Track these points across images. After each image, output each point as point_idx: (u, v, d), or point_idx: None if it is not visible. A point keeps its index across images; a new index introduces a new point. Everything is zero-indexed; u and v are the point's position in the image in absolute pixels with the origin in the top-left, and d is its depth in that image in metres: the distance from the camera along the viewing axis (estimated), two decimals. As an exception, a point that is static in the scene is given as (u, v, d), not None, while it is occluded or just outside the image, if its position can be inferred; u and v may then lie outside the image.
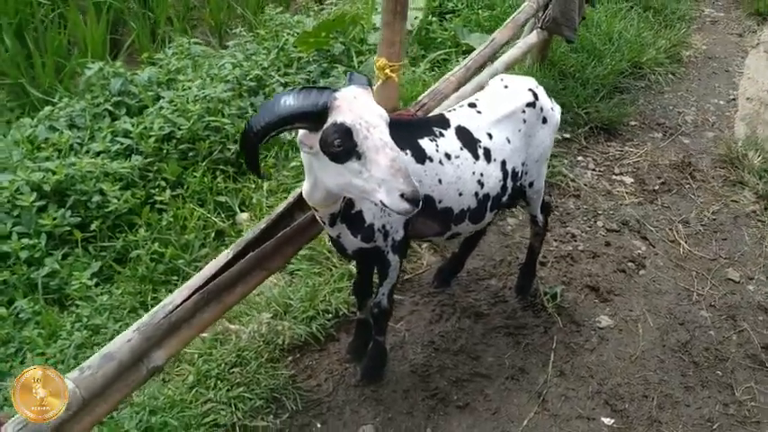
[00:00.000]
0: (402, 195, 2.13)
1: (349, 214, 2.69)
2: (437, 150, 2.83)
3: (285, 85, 5.53)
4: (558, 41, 5.62)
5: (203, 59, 5.80)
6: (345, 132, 2.13)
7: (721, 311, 3.98)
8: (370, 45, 6.04)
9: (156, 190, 4.27)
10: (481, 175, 2.94)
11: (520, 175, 3.17)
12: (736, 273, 4.26)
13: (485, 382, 3.43)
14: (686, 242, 4.45)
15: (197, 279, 2.45)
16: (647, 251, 4.36)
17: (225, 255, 2.56)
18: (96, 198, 4.07)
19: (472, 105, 3.04)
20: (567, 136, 5.27)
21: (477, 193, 2.95)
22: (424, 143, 2.81)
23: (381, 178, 2.14)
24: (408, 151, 2.75)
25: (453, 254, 3.94)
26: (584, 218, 4.56)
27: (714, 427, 3.33)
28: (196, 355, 3.20)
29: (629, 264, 4.23)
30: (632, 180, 4.98)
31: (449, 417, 3.25)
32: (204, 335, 3.33)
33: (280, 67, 5.77)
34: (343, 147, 2.14)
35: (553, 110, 3.20)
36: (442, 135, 2.87)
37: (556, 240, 4.35)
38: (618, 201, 4.75)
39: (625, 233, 4.48)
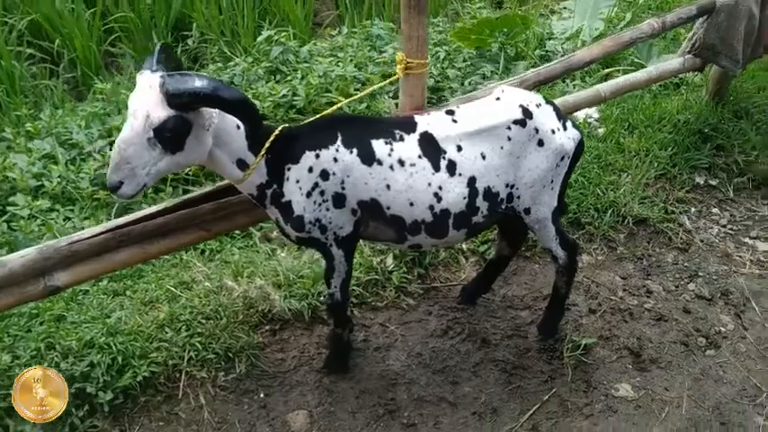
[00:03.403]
0: None
1: (279, 202, 2.73)
2: (390, 154, 2.72)
3: (444, 78, 5.53)
4: (747, 75, 4.84)
5: (381, 42, 5.98)
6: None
7: (786, 425, 3.23)
8: (546, 50, 5.76)
9: (257, 149, 4.61)
10: (439, 188, 2.76)
11: (504, 197, 2.89)
12: (839, 388, 3.39)
13: (447, 410, 3.22)
14: (794, 335, 3.64)
15: (114, 222, 2.69)
16: (732, 331, 3.65)
17: (154, 208, 2.76)
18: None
19: (450, 113, 2.84)
20: (713, 183, 4.55)
21: (432, 207, 2.78)
22: (377, 144, 2.72)
23: None
24: (355, 150, 2.69)
25: (479, 274, 3.71)
26: (677, 276, 3.94)
27: None
28: (184, 300, 3.47)
29: (700, 339, 3.59)
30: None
31: (388, 430, 3.13)
32: (207, 284, 3.60)
33: (447, 59, 5.74)
34: None
35: (555, 132, 2.85)
36: (401, 139, 2.75)
37: (624, 290, 3.84)
38: (733, 267, 4.02)
39: (717, 305, 3.79)
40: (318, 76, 5.04)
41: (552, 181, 2.97)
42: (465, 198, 2.80)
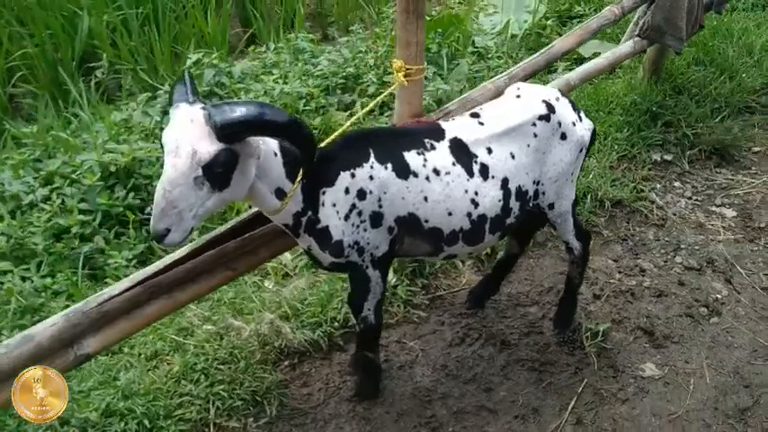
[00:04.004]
0: None
1: (314, 229, 2.56)
2: (424, 165, 2.61)
3: (381, 84, 5.45)
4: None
5: (309, 55, 5.83)
6: (161, 144, 2.14)
7: (804, 378, 3.38)
8: (477, 48, 5.81)
9: (216, 179, 4.35)
10: (475, 194, 2.68)
11: (532, 195, 2.86)
12: (838, 334, 3.59)
13: (489, 418, 3.15)
14: (782, 292, 3.83)
15: (140, 274, 2.44)
16: (728, 297, 3.79)
17: (179, 251, 2.52)
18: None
19: (474, 115, 2.77)
20: (668, 158, 4.73)
21: (470, 214, 2.69)
22: (410, 156, 2.61)
23: None
24: (389, 165, 2.56)
25: (487, 275, 3.67)
26: (662, 251, 4.06)
27: None
28: (191, 347, 3.21)
29: (701, 309, 3.70)
30: (735, 214, 4.37)
31: (437, 449, 3.02)
32: (209, 327, 3.35)
33: (385, 66, 5.68)
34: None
35: (575, 125, 2.85)
36: (432, 148, 2.65)
37: (620, 272, 3.91)
38: (709, 236, 4.19)
39: (707, 273, 3.93)
40: (263, 95, 4.84)
41: (572, 173, 2.96)
42: (500, 201, 2.74)
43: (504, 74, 3.47)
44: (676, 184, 4.58)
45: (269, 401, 3.10)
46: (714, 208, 4.41)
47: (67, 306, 3.47)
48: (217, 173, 2.13)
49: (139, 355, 3.22)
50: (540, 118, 2.77)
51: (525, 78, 3.46)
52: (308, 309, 3.44)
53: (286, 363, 3.30)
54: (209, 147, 2.08)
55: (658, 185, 4.52)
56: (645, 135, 4.69)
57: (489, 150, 2.70)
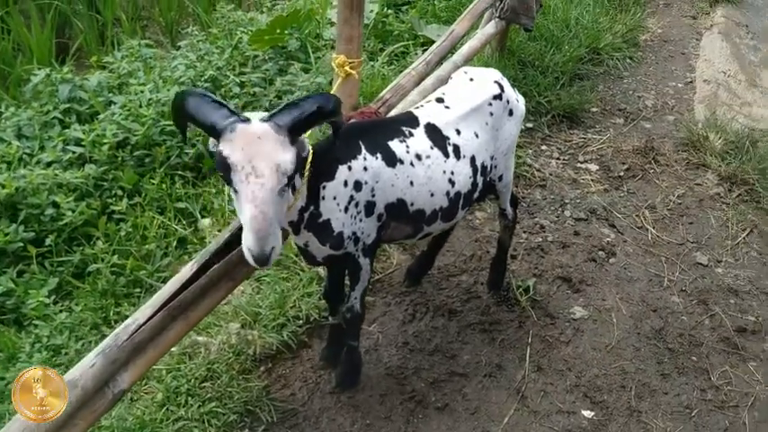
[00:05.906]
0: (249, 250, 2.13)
1: (315, 223, 2.60)
2: (407, 152, 2.75)
3: (242, 84, 5.38)
4: (516, 30, 5.58)
5: (155, 61, 5.60)
6: (225, 166, 2.08)
7: (692, 296, 3.99)
8: (326, 40, 5.93)
9: (113, 199, 4.10)
10: (452, 173, 2.87)
11: (489, 169, 3.11)
12: (705, 256, 4.27)
13: (462, 382, 3.37)
14: (654, 228, 4.45)
15: (160, 297, 2.33)
16: (615, 239, 4.34)
17: (188, 269, 2.44)
18: (50, 211, 3.89)
19: (440, 101, 2.96)
20: (530, 125, 5.23)
21: (448, 192, 2.88)
22: (394, 144, 2.73)
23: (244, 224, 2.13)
24: (379, 155, 2.67)
25: (422, 252, 3.87)
26: (552, 208, 4.53)
27: (693, 413, 3.33)
28: (164, 372, 3.08)
29: (600, 252, 4.21)
30: (597, 167, 4.97)
31: (428, 419, 3.19)
32: (173, 349, 3.21)
33: (235, 66, 5.61)
34: (224, 176, 2.11)
35: (518, 101, 3.15)
36: (411, 135, 2.79)
37: (525, 232, 4.30)
38: (584, 189, 4.73)
39: (593, 222, 4.46)
40: (140, 106, 4.61)
41: (515, 146, 3.25)
42: (470, 177, 2.95)
43: (420, 60, 3.67)
44: (543, 147, 5.09)
45: (260, 409, 3.07)
46: (580, 165, 4.98)
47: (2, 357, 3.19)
48: (292, 176, 2.15)
49: (110, 391, 3.02)
50: (495, 97, 3.02)
51: (439, 62, 3.69)
52: (268, 312, 3.42)
53: (261, 368, 3.27)
54: (288, 155, 2.10)
55: (530, 151, 4.99)
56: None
57: (458, 132, 2.90)
